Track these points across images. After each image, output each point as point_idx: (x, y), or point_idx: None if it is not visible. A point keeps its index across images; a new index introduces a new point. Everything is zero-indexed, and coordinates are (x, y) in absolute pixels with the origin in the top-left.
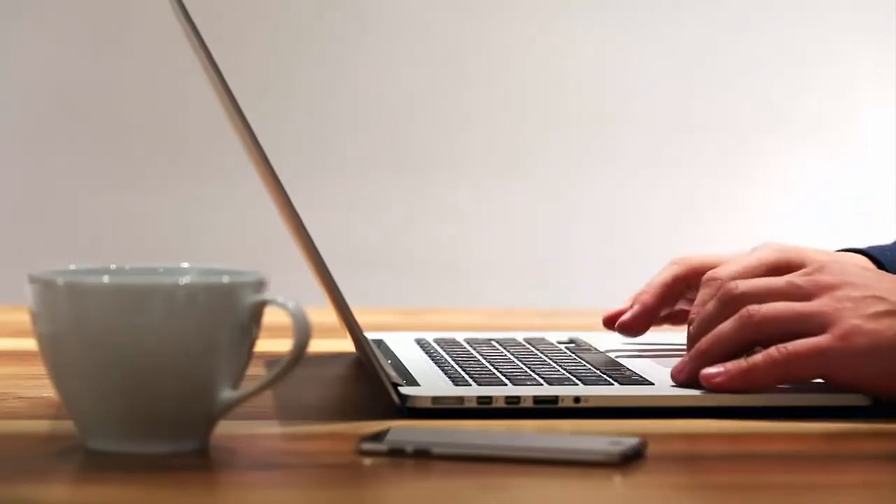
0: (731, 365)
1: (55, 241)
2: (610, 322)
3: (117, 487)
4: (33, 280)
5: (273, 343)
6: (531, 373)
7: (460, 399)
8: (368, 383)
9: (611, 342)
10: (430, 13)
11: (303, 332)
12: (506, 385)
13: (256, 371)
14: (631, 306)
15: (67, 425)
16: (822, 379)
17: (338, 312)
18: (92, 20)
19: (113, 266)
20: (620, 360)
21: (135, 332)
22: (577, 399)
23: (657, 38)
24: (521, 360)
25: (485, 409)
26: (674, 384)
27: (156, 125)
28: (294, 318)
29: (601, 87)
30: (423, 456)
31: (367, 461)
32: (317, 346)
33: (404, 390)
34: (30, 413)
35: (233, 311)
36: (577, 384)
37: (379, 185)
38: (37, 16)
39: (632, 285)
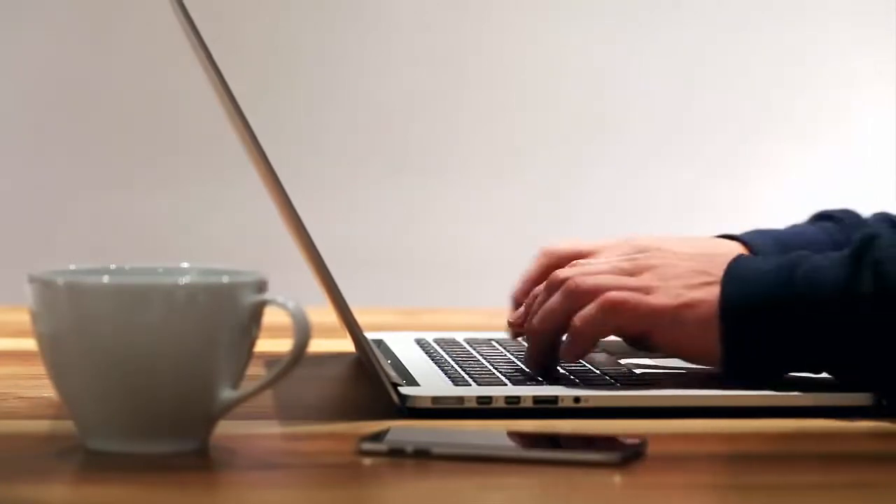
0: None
1: (55, 241)
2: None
3: (117, 487)
4: (33, 280)
5: (273, 343)
6: (531, 373)
7: (460, 399)
8: (368, 383)
9: (610, 342)
10: (431, 13)
11: (303, 332)
12: (506, 385)
13: (256, 371)
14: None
15: (67, 425)
16: (650, 343)
17: (338, 312)
18: (92, 20)
19: (113, 266)
20: (620, 360)
21: (135, 332)
22: (577, 399)
23: (656, 38)
24: (520, 360)
25: (485, 409)
26: (532, 375)
27: (156, 125)
28: (294, 318)
29: (601, 87)
30: (423, 456)
31: (367, 461)
32: (317, 346)
33: (404, 390)
34: (30, 413)
35: (233, 311)
36: (577, 384)
37: (379, 185)
38: (36, 15)
39: None
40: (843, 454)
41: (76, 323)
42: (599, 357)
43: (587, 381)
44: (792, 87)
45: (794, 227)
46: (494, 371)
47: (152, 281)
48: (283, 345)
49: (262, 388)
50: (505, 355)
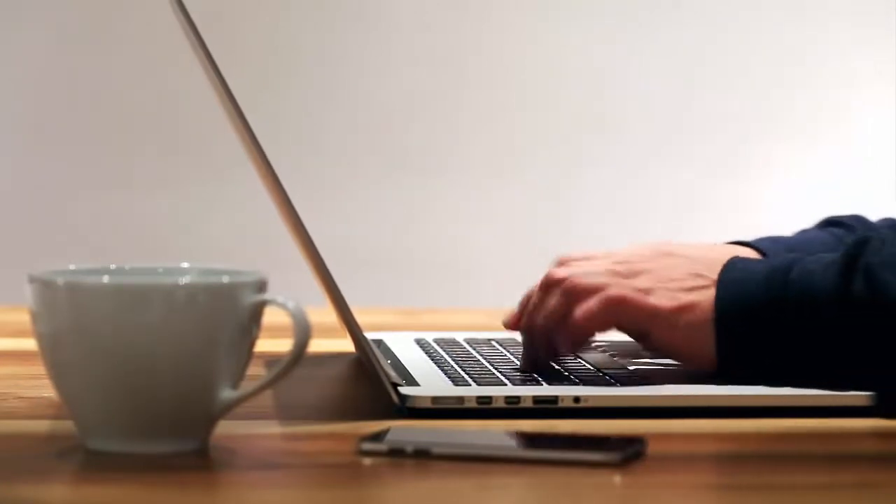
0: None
1: (55, 241)
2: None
3: (117, 487)
4: (33, 280)
5: (273, 343)
6: (531, 373)
7: (460, 399)
8: (368, 383)
9: (610, 341)
10: (431, 13)
11: (303, 332)
12: (506, 385)
13: (256, 371)
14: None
15: (67, 425)
16: (642, 335)
17: (338, 312)
18: (92, 20)
19: (113, 266)
20: (620, 360)
21: (135, 332)
22: (576, 399)
23: (656, 38)
24: (520, 360)
25: (485, 409)
26: (526, 374)
27: (156, 125)
28: (294, 318)
29: (601, 87)
30: (423, 456)
31: (367, 461)
32: (317, 346)
33: (404, 390)
34: (30, 413)
35: (233, 311)
36: (576, 384)
37: (379, 185)
38: (36, 15)
39: None
40: (843, 454)
41: (76, 323)
42: (599, 357)
43: (587, 381)
44: (792, 87)
45: (804, 232)
46: (494, 371)
47: (152, 281)
48: (283, 345)
49: (262, 388)
50: (505, 355)
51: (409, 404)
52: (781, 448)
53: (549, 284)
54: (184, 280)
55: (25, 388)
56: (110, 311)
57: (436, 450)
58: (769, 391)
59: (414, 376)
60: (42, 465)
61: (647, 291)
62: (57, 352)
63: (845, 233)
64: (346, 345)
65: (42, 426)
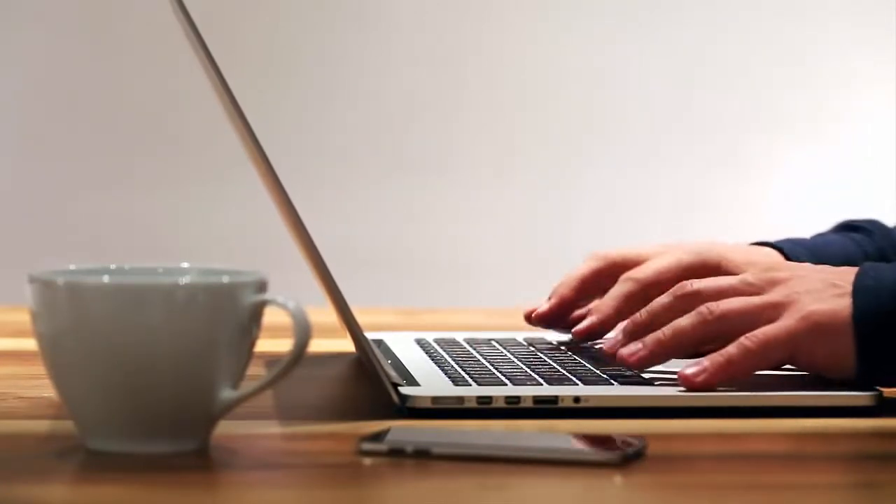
0: (708, 361)
1: (55, 241)
2: (529, 317)
3: (117, 487)
4: (33, 280)
5: (273, 343)
6: (531, 373)
7: (460, 399)
8: (368, 383)
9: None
10: (431, 13)
11: (303, 332)
12: (506, 385)
13: (256, 371)
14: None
15: (67, 425)
16: (789, 363)
17: (338, 312)
18: (92, 20)
19: (113, 266)
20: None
21: (135, 332)
22: (576, 399)
23: (656, 38)
24: (521, 360)
25: (485, 409)
26: (619, 364)
27: (156, 125)
28: (294, 318)
29: (600, 87)
30: (423, 456)
31: (367, 461)
32: (317, 346)
33: (404, 390)
34: (30, 413)
35: (233, 311)
36: (577, 384)
37: (379, 185)
38: (36, 15)
39: None
40: (844, 454)
41: (76, 323)
42: (599, 357)
43: (587, 381)
44: (792, 86)
45: (822, 236)
46: (494, 371)
47: (152, 281)
48: (283, 345)
49: (262, 388)
50: (505, 355)
51: (409, 404)
52: (782, 448)
53: (681, 293)
54: (184, 280)
55: (25, 388)
56: (110, 311)
57: (436, 450)
58: (769, 391)
59: (414, 376)
60: (42, 465)
61: (777, 306)
62: (57, 352)
63: (863, 237)
64: (346, 345)
65: (42, 426)
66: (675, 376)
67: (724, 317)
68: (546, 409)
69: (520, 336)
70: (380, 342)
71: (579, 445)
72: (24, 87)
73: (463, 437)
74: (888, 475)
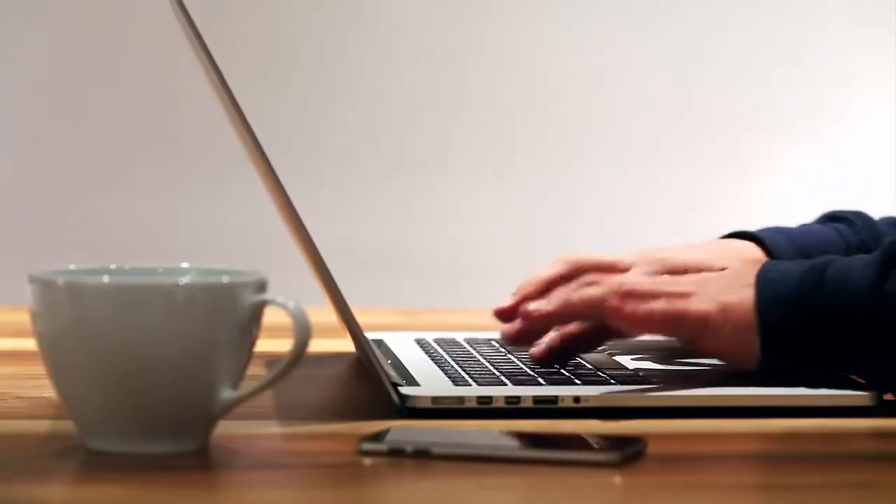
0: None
1: (55, 241)
2: (496, 313)
3: (117, 487)
4: (33, 280)
5: (273, 343)
6: (531, 373)
7: (460, 399)
8: (368, 383)
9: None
10: (431, 13)
11: (303, 332)
12: (506, 385)
13: (256, 371)
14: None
15: (67, 425)
16: (691, 344)
17: (338, 312)
18: (92, 20)
19: (113, 266)
20: (620, 360)
21: (135, 332)
22: (576, 399)
23: (656, 37)
24: (520, 360)
25: (485, 409)
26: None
27: (156, 125)
28: (294, 318)
29: (600, 87)
30: (423, 456)
31: (367, 461)
32: (317, 346)
33: (404, 390)
34: (30, 413)
35: (233, 311)
36: (576, 384)
37: (379, 185)
38: (36, 15)
39: None
40: (843, 454)
41: (76, 323)
42: (599, 357)
43: (587, 380)
44: (792, 86)
45: (806, 226)
46: (494, 371)
47: (152, 281)
48: (283, 345)
49: (262, 388)
50: (505, 355)
51: (409, 404)
52: (781, 448)
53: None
54: (184, 280)
55: (25, 388)
56: (110, 311)
57: (436, 450)
58: (768, 391)
59: (414, 376)
60: (42, 465)
61: (686, 295)
62: (57, 352)
63: (847, 227)
64: (346, 345)
65: (42, 426)
66: (674, 376)
67: (631, 292)
68: (546, 409)
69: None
70: (380, 342)
71: (579, 445)
72: (24, 87)
73: (463, 437)
74: (886, 475)
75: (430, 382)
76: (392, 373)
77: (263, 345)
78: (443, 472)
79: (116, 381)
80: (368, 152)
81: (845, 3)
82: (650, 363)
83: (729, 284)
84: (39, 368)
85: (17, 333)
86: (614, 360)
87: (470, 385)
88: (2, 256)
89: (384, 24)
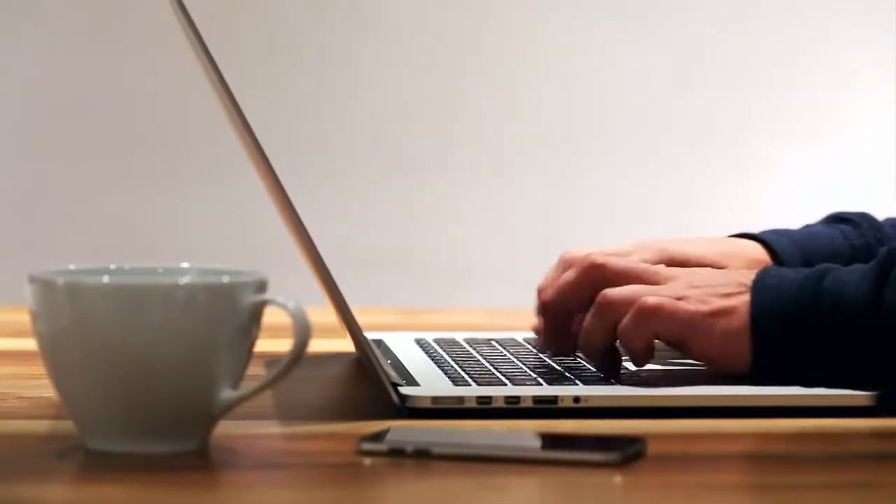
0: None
1: (55, 241)
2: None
3: (117, 487)
4: (33, 280)
5: (273, 343)
6: (531, 373)
7: (460, 399)
8: (368, 383)
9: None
10: (431, 13)
11: (303, 332)
12: (506, 385)
13: (256, 371)
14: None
15: (67, 425)
16: (681, 347)
17: (338, 312)
18: (92, 20)
19: (113, 266)
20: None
21: (135, 332)
22: (576, 399)
23: (656, 38)
24: (520, 360)
25: (485, 409)
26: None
27: (156, 125)
28: (294, 318)
29: (600, 88)
30: (423, 456)
31: (367, 461)
32: (317, 346)
33: (404, 390)
34: (30, 413)
35: (233, 311)
36: (576, 384)
37: (379, 185)
38: (36, 15)
39: None
40: (843, 454)
41: (76, 323)
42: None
43: (587, 381)
44: (792, 86)
45: (810, 228)
46: (494, 371)
47: (152, 281)
48: (283, 345)
49: (262, 388)
50: (505, 355)
51: (409, 404)
52: (781, 448)
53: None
54: (184, 280)
55: (25, 388)
56: (110, 311)
57: (436, 450)
58: (768, 391)
59: (414, 376)
60: (42, 465)
61: (681, 297)
62: (57, 352)
63: (851, 229)
64: (346, 345)
65: (42, 426)
66: (674, 376)
67: (623, 300)
68: (546, 409)
69: (520, 336)
70: (380, 342)
71: (579, 445)
72: (24, 87)
73: (463, 437)
74: (887, 475)
75: (430, 382)
76: (392, 373)
77: (263, 345)
78: (443, 472)
79: (116, 381)
80: (368, 152)
81: (845, 3)
82: (650, 363)
83: (723, 287)
84: (39, 368)
85: (17, 333)
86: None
87: (470, 385)
88: (2, 256)
89: (384, 25)
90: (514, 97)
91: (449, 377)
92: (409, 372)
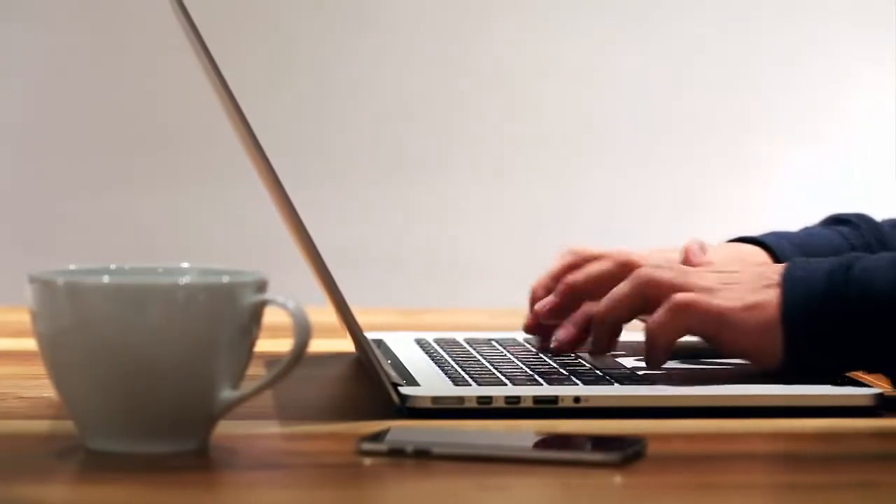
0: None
1: (55, 241)
2: (529, 330)
3: (117, 487)
4: (33, 280)
5: (273, 343)
6: (531, 373)
7: (460, 399)
8: (368, 383)
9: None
10: (430, 13)
11: (303, 332)
12: (506, 385)
13: (256, 371)
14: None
15: (67, 425)
16: (713, 341)
17: (338, 312)
18: (92, 20)
19: (113, 266)
20: (620, 360)
21: (135, 332)
22: (576, 399)
23: (655, 38)
24: (521, 360)
25: (485, 409)
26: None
27: (156, 125)
28: (294, 318)
29: (600, 88)
30: (423, 456)
31: (367, 461)
32: (317, 346)
33: (404, 390)
34: (30, 413)
35: (233, 311)
36: (576, 384)
37: (379, 185)
38: (36, 15)
39: None
40: (844, 454)
41: (76, 323)
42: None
43: (587, 381)
44: (792, 86)
45: (809, 230)
46: (494, 371)
47: (152, 281)
48: (283, 345)
49: (262, 388)
50: (505, 355)
51: (409, 404)
52: (781, 448)
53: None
54: (184, 280)
55: (25, 388)
56: (110, 311)
57: (436, 450)
58: (769, 391)
59: (414, 376)
60: (42, 465)
61: (711, 291)
62: (57, 352)
63: (850, 230)
64: (346, 345)
65: (42, 426)
66: (674, 376)
67: (662, 281)
68: (546, 409)
69: (520, 336)
70: (380, 342)
71: (579, 445)
72: (24, 87)
73: (463, 437)
74: (888, 475)
75: (430, 382)
76: (392, 373)
77: (263, 345)
78: (443, 472)
79: (116, 381)
80: (368, 152)
81: (845, 3)
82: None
83: (752, 283)
84: (39, 368)
85: (17, 333)
86: (614, 359)
87: (470, 385)
88: (2, 256)
89: (384, 25)
90: (514, 97)
91: (449, 377)
92: (409, 372)
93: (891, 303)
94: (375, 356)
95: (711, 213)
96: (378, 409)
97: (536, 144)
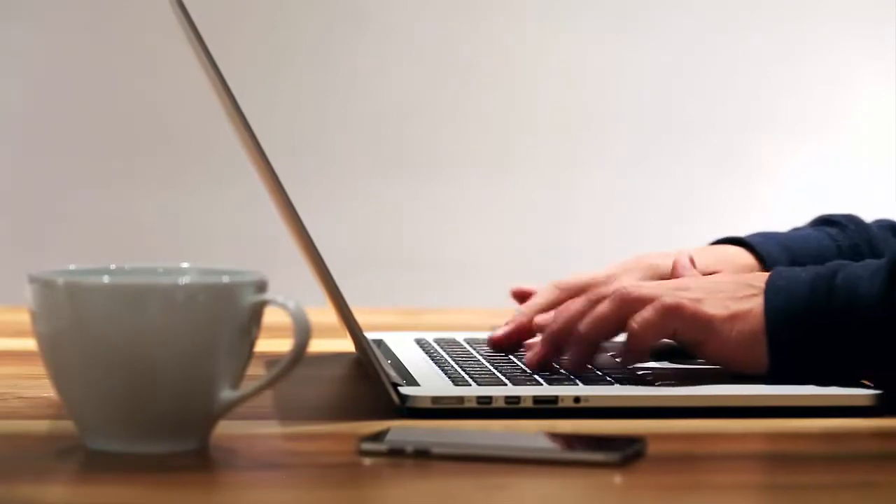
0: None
1: (55, 241)
2: (493, 344)
3: (117, 487)
4: (33, 280)
5: (273, 343)
6: (531, 373)
7: (460, 399)
8: (368, 383)
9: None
10: (430, 13)
11: (303, 332)
12: (506, 385)
13: (256, 371)
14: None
15: (67, 425)
16: (698, 350)
17: (338, 312)
18: (92, 20)
19: (113, 266)
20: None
21: (135, 332)
22: (576, 399)
23: (655, 38)
24: (520, 361)
25: (485, 409)
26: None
27: (156, 125)
28: (294, 318)
29: (599, 88)
30: (423, 456)
31: (367, 461)
32: (317, 346)
33: (404, 390)
34: (30, 413)
35: (233, 311)
36: (576, 384)
37: (379, 185)
38: (36, 15)
39: None
40: (844, 454)
41: (76, 323)
42: (600, 357)
43: (587, 380)
44: (792, 87)
45: (797, 230)
46: (494, 371)
47: (152, 281)
48: (283, 345)
49: (262, 388)
50: (505, 355)
51: (409, 404)
52: (781, 448)
53: (596, 296)
54: (184, 280)
55: (25, 388)
56: (110, 311)
57: (436, 450)
58: (769, 391)
59: (414, 376)
60: (42, 465)
61: (699, 301)
62: (57, 352)
63: (839, 231)
64: (346, 345)
65: (42, 426)
66: (675, 376)
67: (642, 296)
68: (546, 409)
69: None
70: (380, 342)
71: (579, 445)
72: (25, 86)
73: (463, 437)
74: (888, 475)
75: (430, 382)
76: (392, 373)
77: (263, 345)
78: (443, 472)
79: (116, 380)
80: (368, 152)
81: (845, 3)
82: (651, 363)
83: (736, 292)
84: (39, 368)
85: (17, 333)
86: (614, 360)
87: (470, 385)
88: (2, 256)
89: (383, 25)
90: (513, 98)
91: (449, 377)
92: (409, 372)
93: (874, 312)
94: (375, 356)
95: (710, 213)
96: (378, 409)
97: (536, 144)
